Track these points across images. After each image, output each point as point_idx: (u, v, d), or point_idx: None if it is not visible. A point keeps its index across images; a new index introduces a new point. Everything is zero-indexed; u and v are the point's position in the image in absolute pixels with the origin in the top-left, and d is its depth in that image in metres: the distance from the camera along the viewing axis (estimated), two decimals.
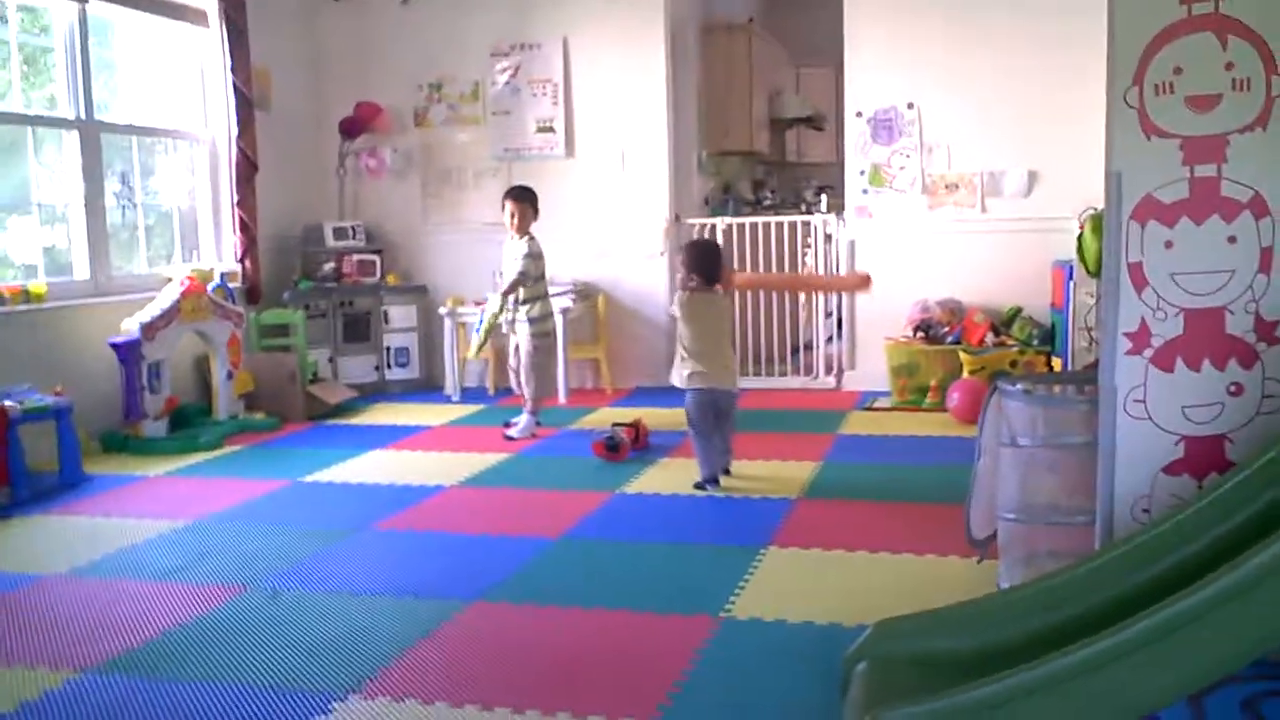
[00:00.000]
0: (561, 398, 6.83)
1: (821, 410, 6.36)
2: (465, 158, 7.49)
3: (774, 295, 7.28)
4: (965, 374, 6.11)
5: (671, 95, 7.27)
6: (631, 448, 5.23)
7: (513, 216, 5.71)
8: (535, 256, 5.71)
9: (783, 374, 7.28)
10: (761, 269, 7.22)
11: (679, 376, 4.62)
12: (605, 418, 6.09)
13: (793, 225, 7.30)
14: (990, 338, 6.31)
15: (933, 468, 4.90)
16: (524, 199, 5.75)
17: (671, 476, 4.83)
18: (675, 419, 6.09)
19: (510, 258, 5.76)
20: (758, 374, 7.29)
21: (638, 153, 7.20)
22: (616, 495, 4.58)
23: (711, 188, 8.90)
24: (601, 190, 7.26)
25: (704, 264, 4.60)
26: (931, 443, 5.43)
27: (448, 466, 5.18)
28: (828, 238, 7.16)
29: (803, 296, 7.35)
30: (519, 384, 5.85)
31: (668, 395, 6.90)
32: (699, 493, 4.52)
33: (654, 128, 7.18)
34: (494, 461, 5.26)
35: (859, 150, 6.84)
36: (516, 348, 5.80)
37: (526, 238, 5.71)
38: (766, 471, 4.93)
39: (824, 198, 9.19)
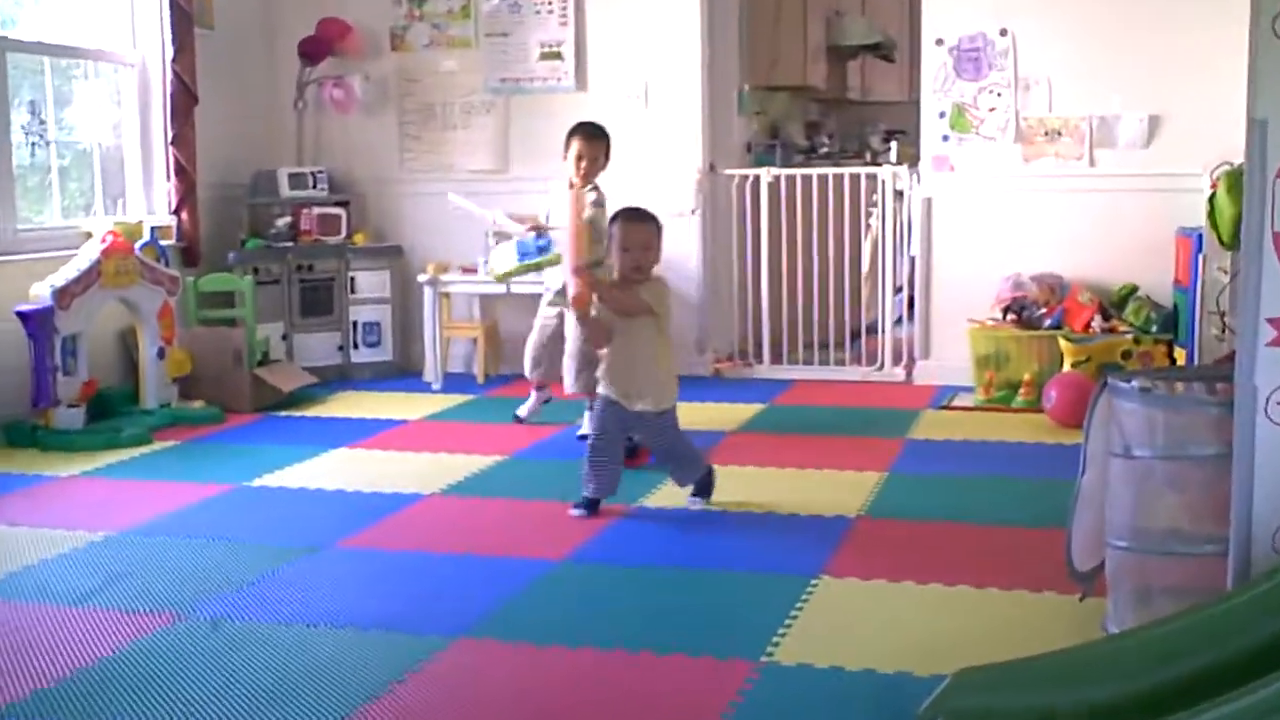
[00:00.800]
0: (568, 387, 6.83)
1: (887, 409, 6.34)
2: (453, 90, 7.49)
3: (829, 262, 7.26)
4: (1067, 367, 6.09)
5: (707, 16, 7.25)
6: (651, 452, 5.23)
7: (580, 160, 5.49)
8: (603, 206, 5.51)
9: (839, 363, 7.26)
10: (815, 231, 7.20)
11: (669, 396, 4.55)
12: None
13: (855, 179, 7.28)
14: (1098, 322, 6.28)
15: (1025, 482, 4.89)
16: (599, 138, 5.52)
17: None
18: (707, 415, 6.09)
19: (563, 207, 5.53)
20: (808, 362, 7.28)
21: (665, 87, 7.19)
22: (634, 509, 4.59)
23: (755, 131, 8.88)
24: (620, 132, 7.17)
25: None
26: (1024, 451, 5.41)
27: (427, 471, 5.19)
28: (898, 194, 7.13)
29: (865, 264, 7.33)
30: (536, 367, 5.82)
31: (698, 386, 6.89)
32: (702, 505, 4.57)
33: (685, 56, 7.17)
34: (483, 466, 5.27)
35: (939, 86, 6.80)
36: (555, 329, 5.70)
37: (591, 188, 5.52)
38: (818, 484, 4.92)
39: (894, 145, 9.18)
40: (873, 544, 4.15)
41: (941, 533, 4.26)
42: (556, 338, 5.72)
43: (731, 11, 8.01)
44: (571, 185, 5.50)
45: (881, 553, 4.04)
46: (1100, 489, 3.29)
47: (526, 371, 5.95)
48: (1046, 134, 6.69)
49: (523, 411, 6.02)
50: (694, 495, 4.61)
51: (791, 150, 9.38)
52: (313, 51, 7.49)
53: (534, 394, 6.00)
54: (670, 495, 4.73)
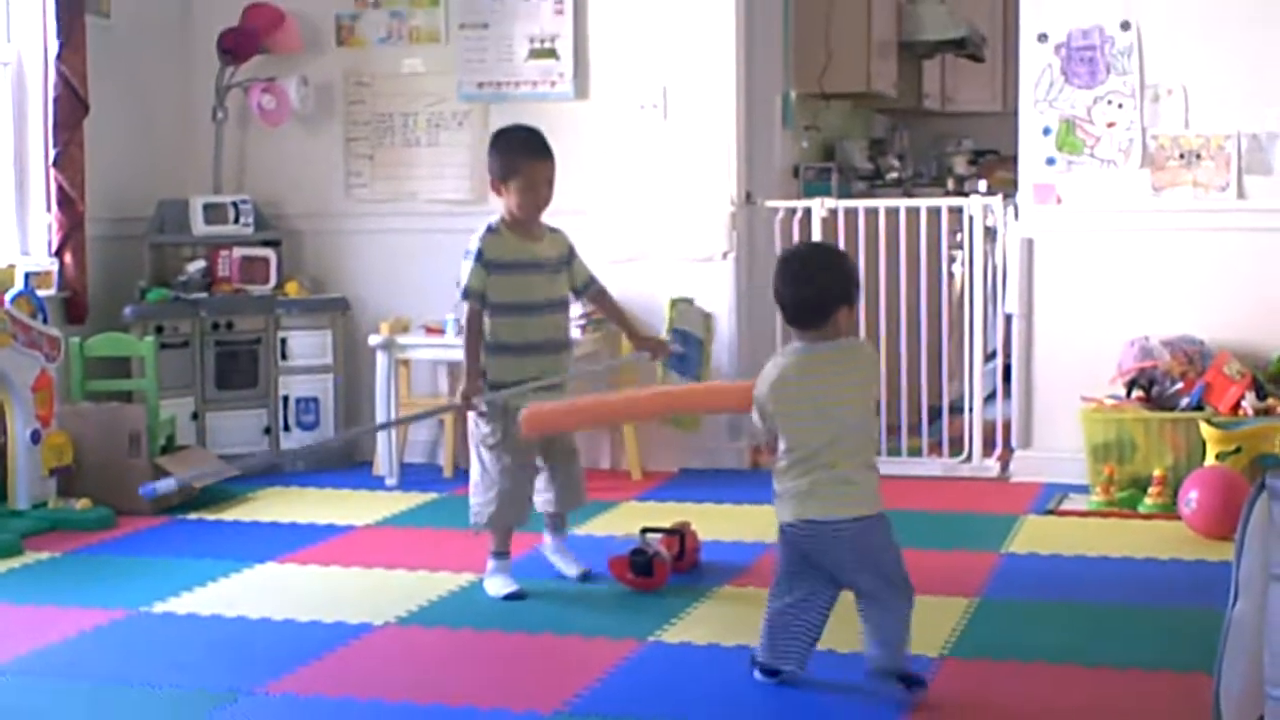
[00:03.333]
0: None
1: (976, 514, 6.33)
2: (416, 97, 7.54)
3: (900, 321, 7.26)
4: (1211, 459, 6.08)
5: (744, 2, 7.30)
6: (673, 569, 5.22)
7: (541, 190, 5.21)
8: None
9: (913, 453, 7.23)
10: (882, 281, 7.20)
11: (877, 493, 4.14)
12: (630, 519, 6.09)
13: (933, 213, 7.29)
14: (1251, 401, 6.26)
15: (1157, 612, 4.87)
16: (551, 156, 5.26)
17: (737, 617, 4.80)
18: (741, 522, 6.07)
19: (548, 259, 5.25)
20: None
21: (688, 93, 7.23)
22: (648, 646, 4.57)
23: (804, 151, 8.92)
24: (630, 152, 7.29)
25: (796, 291, 4.12)
26: (1155, 571, 5.39)
27: (380, 593, 5.19)
28: (989, 233, 7.13)
29: (945, 324, 7.33)
30: (560, 503, 5.40)
31: (730, 483, 6.87)
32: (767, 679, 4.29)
33: (715, 54, 7.21)
34: (452, 587, 5.26)
35: (1042, 95, 6.83)
36: (548, 439, 5.23)
37: (550, 229, 5.33)
38: None
39: (983, 170, 9.20)
40: (960, 695, 4.12)
41: (1049, 678, 4.23)
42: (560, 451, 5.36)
43: None
44: (518, 224, 5.17)
45: (973, 706, 4.01)
46: (1258, 623, 3.27)
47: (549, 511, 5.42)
48: (1182, 156, 6.70)
49: (572, 571, 5.46)
50: (903, 683, 4.06)
51: (851, 176, 9.41)
52: (237, 47, 7.52)
53: (551, 537, 5.50)
54: (695, 627, 4.72)
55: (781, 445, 4.09)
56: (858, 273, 4.20)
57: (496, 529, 5.21)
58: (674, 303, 5.13)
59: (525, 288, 5.17)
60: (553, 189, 5.24)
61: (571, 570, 5.38)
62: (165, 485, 4.89)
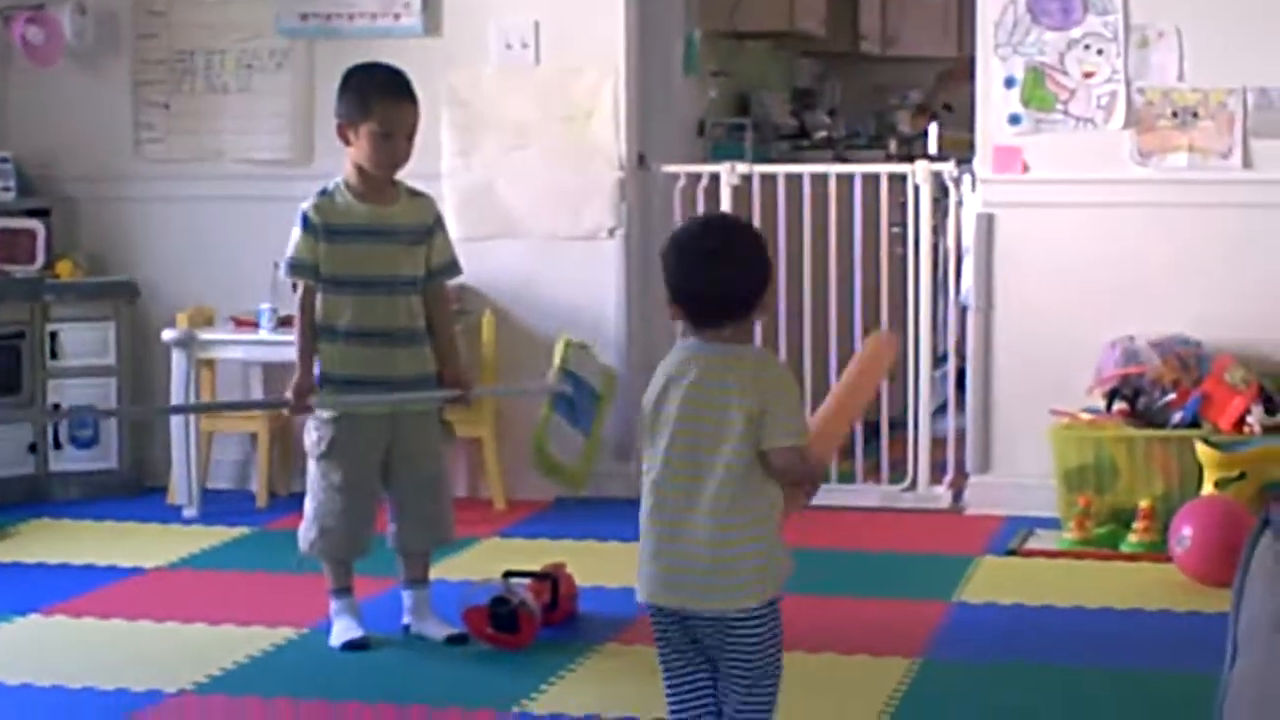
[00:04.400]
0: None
1: (921, 555, 6.37)
2: (224, 31, 7.49)
3: (830, 315, 7.28)
4: (1208, 488, 6.15)
5: None
6: (543, 621, 5.23)
7: (401, 140, 5.28)
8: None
9: (845, 479, 7.23)
10: (807, 264, 7.22)
11: (771, 579, 3.79)
12: (491, 559, 6.09)
13: (871, 182, 7.34)
14: (1258, 416, 6.32)
15: (1142, 675, 4.90)
16: (415, 99, 5.35)
17: (622, 681, 4.82)
18: (630, 563, 6.07)
19: (406, 233, 5.34)
20: None
21: (565, 31, 7.24)
22: (512, 718, 4.56)
23: (712, 104, 8.91)
24: (493, 103, 7.28)
25: (692, 276, 3.83)
26: (1140, 624, 5.44)
27: (174, 653, 5.15)
28: (938, 207, 7.17)
29: (883, 323, 7.37)
30: (409, 539, 5.40)
31: (619, 516, 6.86)
32: None
33: None
34: (266, 645, 5.22)
35: (1006, 38, 6.89)
36: (397, 457, 5.32)
37: (410, 192, 5.40)
38: (809, 679, 4.85)
39: (933, 129, 9.25)
40: None
41: None
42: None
43: None
44: (365, 182, 5.28)
45: None
46: (1261, 685, 3.31)
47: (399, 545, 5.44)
48: (1175, 115, 6.75)
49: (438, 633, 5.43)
50: None
51: (770, 134, 9.42)
52: None
53: (408, 594, 5.48)
54: (570, 695, 4.72)
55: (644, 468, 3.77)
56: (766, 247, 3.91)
57: (326, 561, 5.22)
58: (568, 344, 5.07)
59: (367, 260, 5.22)
60: (413, 144, 5.30)
61: (437, 632, 5.32)
62: None
